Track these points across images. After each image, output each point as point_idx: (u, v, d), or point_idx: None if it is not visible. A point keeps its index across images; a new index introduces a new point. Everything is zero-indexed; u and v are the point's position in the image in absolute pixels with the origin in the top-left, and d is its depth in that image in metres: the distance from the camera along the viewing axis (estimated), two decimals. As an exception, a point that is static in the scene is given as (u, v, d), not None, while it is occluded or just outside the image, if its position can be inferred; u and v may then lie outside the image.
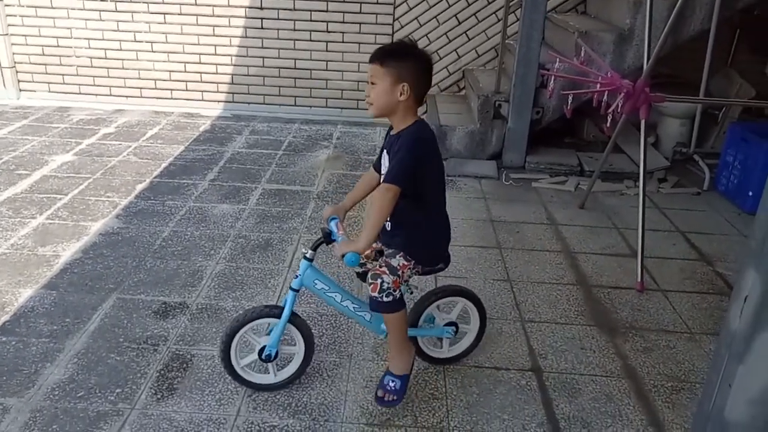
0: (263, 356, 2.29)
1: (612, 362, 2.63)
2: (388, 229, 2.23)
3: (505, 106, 4.67)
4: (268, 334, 2.30)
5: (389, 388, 2.27)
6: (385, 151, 2.21)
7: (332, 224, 2.23)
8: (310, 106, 5.79)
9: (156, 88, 5.81)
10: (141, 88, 5.82)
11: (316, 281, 2.26)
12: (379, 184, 2.20)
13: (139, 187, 4.10)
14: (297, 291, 2.23)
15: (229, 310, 2.84)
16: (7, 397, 2.27)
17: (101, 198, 3.91)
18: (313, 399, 2.34)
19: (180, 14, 5.54)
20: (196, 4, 5.50)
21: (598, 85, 3.68)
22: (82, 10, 5.56)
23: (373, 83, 2.08)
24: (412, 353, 2.35)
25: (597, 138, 5.17)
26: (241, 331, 2.24)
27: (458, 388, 2.43)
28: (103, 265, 3.17)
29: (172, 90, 5.82)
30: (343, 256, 2.02)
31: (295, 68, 5.69)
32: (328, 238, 2.17)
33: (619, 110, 3.53)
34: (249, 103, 5.84)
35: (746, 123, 4.72)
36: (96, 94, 5.84)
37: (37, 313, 2.75)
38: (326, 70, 5.66)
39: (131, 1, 5.52)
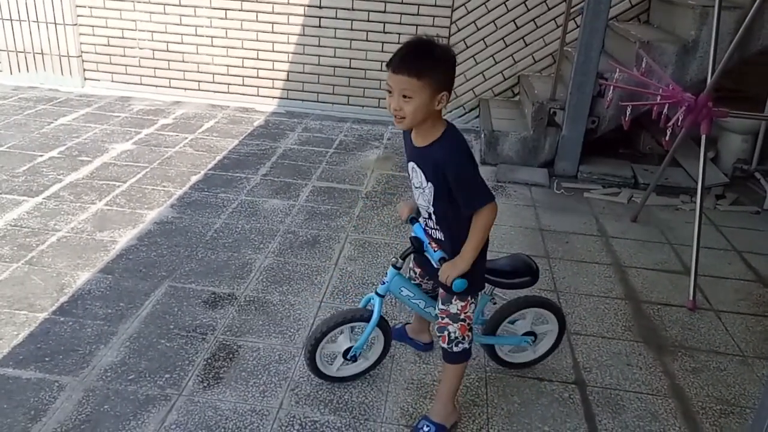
0: (348, 356, 2.34)
1: (659, 380, 2.57)
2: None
3: (559, 114, 4.61)
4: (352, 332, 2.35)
5: None
6: (414, 164, 2.02)
7: (419, 231, 2.17)
8: (363, 106, 5.83)
9: (214, 82, 5.94)
10: (199, 82, 5.96)
11: (402, 288, 2.28)
12: None
13: (194, 178, 4.21)
14: (383, 297, 2.26)
15: (276, 304, 2.89)
16: (63, 375, 2.36)
17: (157, 187, 4.02)
18: (355, 397, 2.36)
19: (241, 10, 5.65)
20: (257, 1, 5.60)
21: (659, 98, 3.60)
22: (147, 3, 5.73)
23: (407, 96, 1.84)
24: (457, 414, 2.26)
25: (653, 150, 5.05)
26: (335, 330, 2.29)
27: (499, 397, 2.42)
28: (156, 252, 3.26)
29: (229, 84, 5.94)
30: (453, 281, 1.99)
31: (350, 68, 5.74)
32: (419, 248, 2.16)
33: (679, 124, 3.44)
34: (303, 101, 5.91)
35: (812, 142, 4.54)
36: (156, 86, 6.01)
37: (94, 296, 2.86)
38: (380, 70, 5.68)
39: (195, -4, 5.66)
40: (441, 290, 2.15)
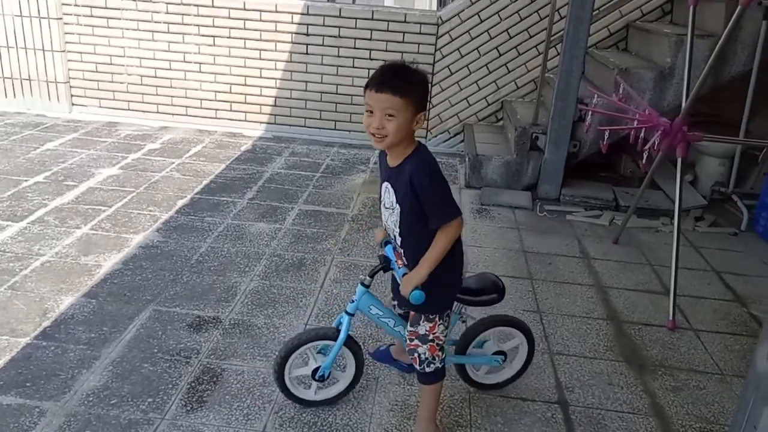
0: (317, 376, 2.34)
1: (640, 399, 2.60)
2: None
3: (542, 138, 4.70)
4: (320, 353, 2.35)
5: None
6: (388, 184, 2.07)
7: (389, 251, 2.21)
8: (350, 131, 5.90)
9: (201, 108, 6.00)
10: (187, 107, 6.01)
11: (371, 307, 2.29)
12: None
13: (180, 202, 4.23)
14: (352, 315, 2.27)
15: (261, 327, 2.90)
16: (44, 400, 2.36)
17: (143, 212, 4.04)
18: (339, 419, 2.37)
19: (229, 37, 5.73)
20: (244, 29, 5.69)
21: (636, 122, 3.68)
22: (136, 30, 5.80)
23: (390, 115, 1.89)
24: None
25: (634, 173, 5.14)
26: (301, 349, 2.30)
27: (483, 417, 2.44)
28: (141, 276, 3.27)
29: (216, 110, 5.99)
30: (410, 292, 2.01)
31: (336, 93, 5.81)
32: (386, 265, 2.19)
33: (655, 147, 3.52)
34: (290, 126, 5.97)
35: (788, 165, 4.65)
36: (144, 111, 6.05)
37: (77, 321, 2.86)
38: (366, 96, 5.75)
39: (183, 24, 5.73)
40: (411, 312, 2.17)
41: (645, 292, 3.50)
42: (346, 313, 2.27)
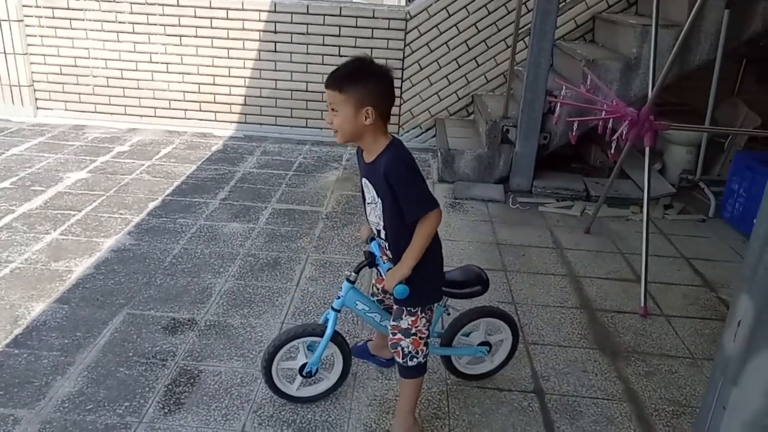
0: (304, 372, 2.35)
1: (614, 385, 2.65)
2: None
3: (512, 131, 4.74)
4: (309, 349, 2.35)
5: None
6: (366, 180, 2.10)
7: (374, 247, 2.22)
8: (321, 128, 5.88)
9: (170, 108, 5.93)
10: (155, 108, 5.93)
11: (357, 302, 2.31)
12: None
13: (152, 204, 4.18)
14: (338, 311, 2.28)
15: (237, 327, 2.89)
16: (18, 408, 2.32)
17: (114, 215, 3.99)
18: (318, 416, 2.37)
19: (196, 36, 5.67)
20: (211, 27, 5.63)
21: (604, 113, 3.74)
22: (100, 31, 5.70)
23: (334, 110, 1.97)
24: (418, 427, 2.28)
25: (604, 164, 5.22)
26: (292, 343, 2.31)
27: (461, 408, 2.46)
28: (114, 280, 3.23)
29: (185, 110, 5.93)
30: (393, 287, 2.02)
31: (307, 91, 5.79)
32: (372, 261, 2.20)
33: (624, 137, 3.58)
34: (261, 124, 5.94)
35: (752, 152, 4.76)
36: (111, 113, 5.96)
37: (49, 327, 2.81)
38: (337, 93, 5.74)
39: (148, 24, 5.65)
40: (394, 306, 2.19)
41: (617, 280, 3.56)
42: (333, 309, 2.28)
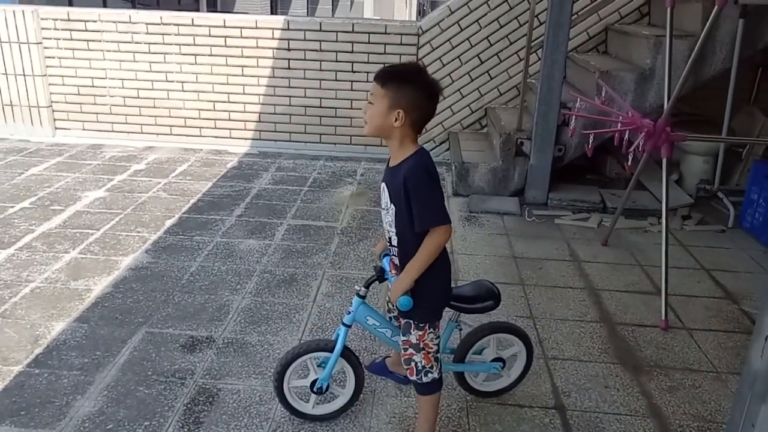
0: (315, 388, 2.33)
1: (636, 401, 2.61)
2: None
3: (527, 144, 4.73)
4: (320, 366, 2.34)
5: None
6: (384, 184, 2.10)
7: (385, 262, 2.22)
8: (335, 143, 5.91)
9: (186, 126, 5.98)
10: (171, 126, 5.99)
11: (367, 317, 2.29)
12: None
13: (168, 222, 4.21)
14: (349, 327, 2.27)
15: (255, 345, 2.88)
16: (39, 428, 2.33)
17: (131, 233, 4.01)
18: (337, 434, 2.36)
19: (210, 55, 5.73)
20: (226, 46, 5.69)
21: (619, 124, 3.72)
22: (117, 51, 5.78)
23: (370, 102, 2.01)
24: None
25: (620, 175, 5.18)
26: (300, 360, 2.30)
27: (481, 425, 2.43)
28: (132, 299, 3.25)
29: (201, 128, 5.98)
30: (396, 299, 2.02)
31: (320, 107, 5.82)
32: (381, 276, 2.20)
33: (640, 149, 3.56)
34: (275, 141, 5.97)
35: (770, 160, 4.71)
36: (128, 132, 6.03)
37: (69, 346, 2.83)
38: (351, 108, 5.78)
39: (164, 43, 5.72)
40: (402, 320, 2.18)
41: (636, 292, 3.52)
42: (343, 324, 2.27)
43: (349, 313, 2.26)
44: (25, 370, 2.65)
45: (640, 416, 2.52)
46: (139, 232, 4.04)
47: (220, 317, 3.11)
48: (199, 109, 5.92)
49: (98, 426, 2.35)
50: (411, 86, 1.96)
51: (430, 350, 2.15)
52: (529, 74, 5.10)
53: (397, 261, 2.13)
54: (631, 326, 3.18)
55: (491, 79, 5.66)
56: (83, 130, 6.06)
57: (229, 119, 5.94)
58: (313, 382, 2.33)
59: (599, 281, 3.63)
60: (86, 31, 5.74)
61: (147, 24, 5.69)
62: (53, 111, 6.02)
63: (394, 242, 2.12)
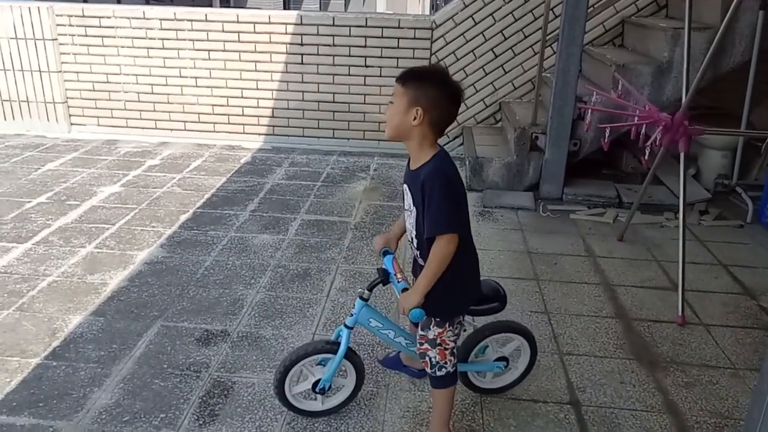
0: (317, 389, 2.33)
1: (652, 397, 2.59)
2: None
3: (541, 138, 4.69)
4: (319, 364, 2.34)
5: None
6: (406, 186, 2.10)
7: (387, 263, 2.20)
8: (348, 139, 5.90)
9: (199, 122, 6.00)
10: (185, 122, 6.02)
11: (370, 320, 2.29)
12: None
13: (183, 217, 4.23)
14: (351, 329, 2.26)
15: (269, 339, 2.89)
16: (57, 420, 2.35)
17: (147, 228, 4.04)
18: (351, 428, 2.36)
19: (224, 51, 5.74)
20: (239, 41, 5.70)
21: (636, 118, 3.68)
22: (131, 47, 5.81)
23: (391, 102, 2.01)
24: None
25: (636, 169, 5.14)
26: (300, 364, 2.29)
27: (495, 420, 2.42)
28: (148, 293, 3.27)
29: (214, 123, 6.00)
30: (408, 311, 2.00)
31: (333, 102, 5.82)
32: (385, 279, 2.18)
33: (657, 143, 3.52)
34: (288, 136, 5.98)
35: (790, 154, 4.64)
36: (142, 128, 6.07)
37: (86, 339, 2.85)
38: (364, 103, 5.77)
39: (177, 39, 5.75)
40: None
41: (652, 288, 3.49)
42: (345, 326, 2.26)
43: (352, 315, 2.25)
44: (43, 363, 2.67)
45: (656, 412, 2.50)
46: (154, 226, 4.06)
47: (235, 311, 3.12)
48: (213, 105, 5.94)
49: (115, 418, 2.37)
50: (432, 85, 1.96)
51: (447, 347, 2.15)
52: (544, 68, 5.05)
53: (421, 261, 2.10)
54: (647, 322, 3.15)
55: (506, 73, 5.63)
56: (98, 125, 6.10)
57: (243, 114, 5.95)
58: (315, 383, 2.33)
59: (615, 277, 3.60)
60: (101, 27, 5.77)
61: (161, 20, 5.71)
62: (69, 107, 6.07)
63: (416, 245, 2.12)
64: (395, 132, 2.02)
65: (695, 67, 3.64)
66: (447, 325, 2.13)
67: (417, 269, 2.20)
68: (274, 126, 5.97)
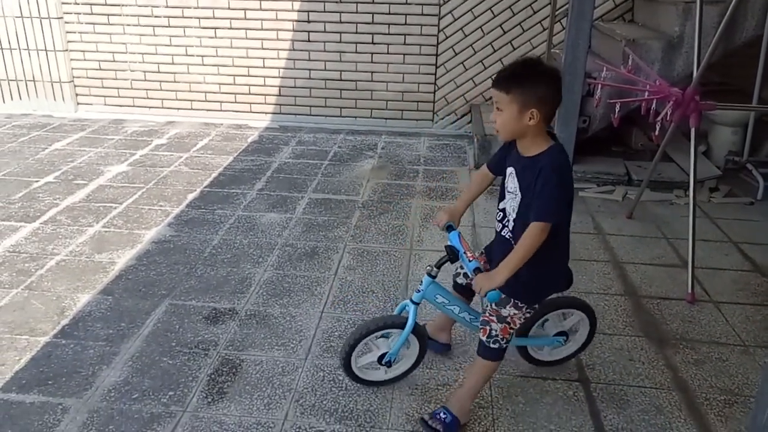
0: (383, 362, 2.37)
1: (662, 374, 2.58)
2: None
3: (550, 115, 4.63)
4: (382, 337, 2.37)
5: (439, 418, 2.21)
6: (512, 168, 2.12)
7: (454, 240, 2.20)
8: (356, 117, 5.87)
9: (206, 101, 5.98)
10: (192, 101, 5.99)
11: (437, 296, 2.32)
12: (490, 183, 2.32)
13: (190, 196, 4.22)
14: (418, 304, 2.29)
15: (277, 317, 2.90)
16: (66, 397, 2.37)
17: (154, 207, 4.04)
18: (359, 405, 2.36)
19: (230, 28, 5.70)
20: (245, 18, 5.65)
21: (647, 94, 3.63)
22: (137, 26, 5.77)
23: (498, 109, 2.02)
24: (468, 417, 2.30)
25: (645, 146, 5.08)
26: (369, 338, 2.33)
27: (504, 398, 2.43)
28: (156, 271, 3.27)
29: (221, 102, 5.97)
30: (486, 293, 2.01)
31: (340, 80, 5.77)
32: (454, 256, 2.19)
33: (668, 119, 3.47)
34: (296, 115, 5.94)
35: (803, 130, 4.57)
36: (149, 107, 6.05)
37: (94, 318, 2.86)
38: (371, 81, 5.72)
39: (184, 17, 5.70)
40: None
41: (662, 266, 3.46)
42: (412, 302, 2.29)
43: (419, 291, 2.28)
44: (51, 341, 2.69)
45: (665, 389, 2.49)
46: (161, 205, 4.06)
47: (243, 290, 3.12)
48: (219, 84, 5.91)
49: (124, 395, 2.38)
50: (535, 83, 1.98)
51: (513, 326, 2.19)
52: (553, 44, 4.99)
53: (514, 243, 2.11)
54: (657, 299, 3.13)
55: (514, 49, 5.56)
56: (105, 105, 6.08)
57: (249, 93, 5.92)
58: (381, 356, 2.36)
59: (624, 254, 3.58)
60: (106, 5, 5.73)
61: (166, -3, 5.66)
62: (75, 86, 6.05)
63: (511, 227, 2.14)
64: (512, 136, 2.08)
65: (706, 41, 3.58)
66: (524, 309, 2.17)
67: (497, 251, 2.22)
68: (281, 104, 5.94)
